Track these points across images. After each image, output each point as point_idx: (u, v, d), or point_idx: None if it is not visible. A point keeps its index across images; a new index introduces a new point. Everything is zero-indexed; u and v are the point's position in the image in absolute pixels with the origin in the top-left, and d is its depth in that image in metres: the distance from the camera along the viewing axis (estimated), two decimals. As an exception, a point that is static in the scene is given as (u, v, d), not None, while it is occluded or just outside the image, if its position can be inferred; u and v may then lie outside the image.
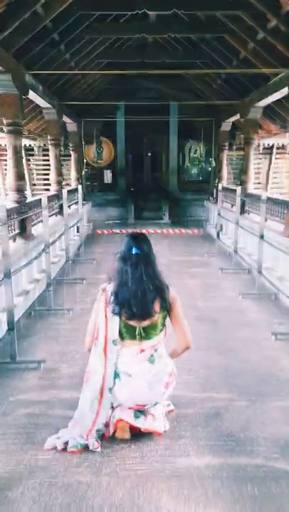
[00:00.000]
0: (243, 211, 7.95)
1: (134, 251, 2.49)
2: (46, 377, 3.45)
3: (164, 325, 2.59)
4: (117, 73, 8.88)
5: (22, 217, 5.21)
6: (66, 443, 2.53)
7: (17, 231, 5.31)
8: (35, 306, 5.16)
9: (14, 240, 5.22)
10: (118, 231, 10.99)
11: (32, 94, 6.43)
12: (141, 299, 2.43)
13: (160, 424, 2.66)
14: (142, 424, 2.59)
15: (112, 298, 2.50)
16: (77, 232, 9.39)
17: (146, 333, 2.51)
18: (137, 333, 2.50)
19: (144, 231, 10.54)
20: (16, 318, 4.39)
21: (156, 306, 2.49)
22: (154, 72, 8.85)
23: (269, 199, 6.07)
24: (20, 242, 5.25)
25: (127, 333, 2.51)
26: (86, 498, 2.16)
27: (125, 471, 2.35)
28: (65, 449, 2.50)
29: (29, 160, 13.63)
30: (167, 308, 2.56)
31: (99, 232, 11.22)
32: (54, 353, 3.92)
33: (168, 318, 2.63)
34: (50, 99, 7.67)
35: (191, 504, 2.11)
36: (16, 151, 5.48)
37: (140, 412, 2.60)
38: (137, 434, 2.63)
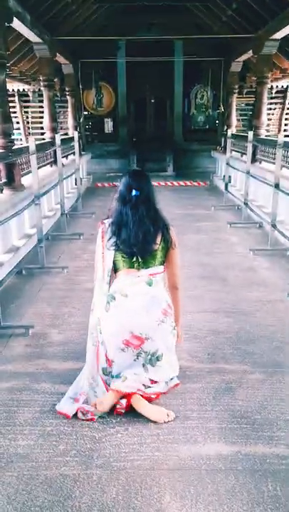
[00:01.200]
0: (254, 160, 7.30)
1: (133, 193, 2.32)
2: (34, 345, 3.05)
3: (163, 258, 2.41)
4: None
5: (5, 161, 4.63)
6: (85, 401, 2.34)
7: (3, 180, 4.76)
8: (26, 264, 4.72)
9: (1, 191, 4.69)
10: (120, 183, 10.37)
11: (18, 24, 5.65)
12: (142, 241, 2.30)
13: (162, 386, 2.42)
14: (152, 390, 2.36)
15: (110, 233, 2.36)
16: (76, 184, 8.80)
17: (145, 262, 2.35)
18: (134, 260, 2.34)
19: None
20: (2, 277, 3.97)
21: (158, 240, 2.36)
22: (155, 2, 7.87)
23: (286, 144, 5.42)
24: (7, 193, 4.72)
25: (124, 262, 2.36)
26: (72, 497, 1.79)
27: (120, 461, 1.97)
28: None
29: (24, 108, 12.77)
30: (168, 246, 2.41)
31: (99, 185, 10.62)
32: (44, 316, 3.51)
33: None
34: (40, 33, 6.83)
35: (199, 507, 1.73)
36: (0, 89, 4.81)
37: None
38: (136, 414, 2.25)
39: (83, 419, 2.25)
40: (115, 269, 2.39)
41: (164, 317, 2.31)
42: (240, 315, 3.50)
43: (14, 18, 5.27)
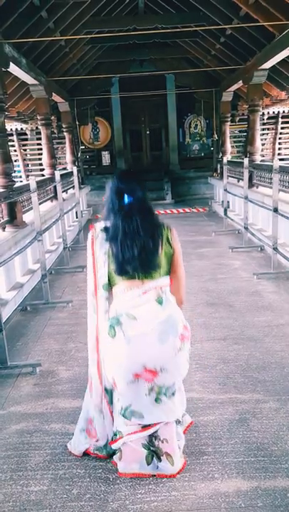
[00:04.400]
0: (251, 185, 7.39)
1: (126, 199, 1.96)
2: (42, 383, 3.01)
3: (168, 266, 2.05)
4: (105, 36, 8.14)
5: (7, 201, 4.70)
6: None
7: (6, 219, 4.82)
8: (30, 299, 4.71)
9: (3, 229, 4.74)
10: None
11: (15, 68, 5.85)
12: (139, 257, 1.92)
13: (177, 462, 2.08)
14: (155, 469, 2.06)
15: (101, 239, 2.01)
16: (76, 217, 8.89)
17: (148, 273, 1.97)
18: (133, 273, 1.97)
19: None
20: (8, 315, 3.96)
21: (159, 250, 2.00)
22: (146, 40, 8.18)
23: (282, 168, 5.50)
24: (10, 231, 4.77)
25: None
26: None
27: (137, 504, 1.91)
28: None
29: (23, 146, 13.05)
30: (170, 250, 2.04)
31: (99, 216, 10.69)
32: (52, 353, 3.48)
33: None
34: (36, 75, 7.07)
35: None
36: (0, 130, 4.94)
37: (152, 448, 2.05)
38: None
39: (96, 455, 2.18)
40: (110, 282, 2.03)
41: (181, 344, 1.95)
42: (249, 341, 3.46)
43: (10, 63, 5.47)
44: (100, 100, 11.75)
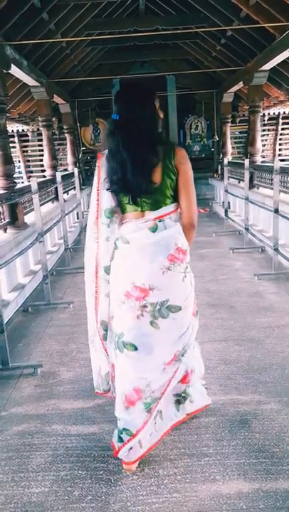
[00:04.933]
0: (252, 186, 7.39)
1: (113, 118, 1.91)
2: (43, 384, 3.01)
3: (173, 193, 2.00)
4: (106, 38, 8.15)
5: (8, 202, 4.71)
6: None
7: (7, 220, 4.82)
8: (31, 300, 4.72)
9: (5, 230, 4.75)
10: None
11: (16, 70, 5.87)
12: (123, 178, 1.89)
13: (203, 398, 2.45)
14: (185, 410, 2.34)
15: (105, 168, 1.99)
16: (77, 218, 8.90)
17: (151, 203, 1.96)
18: (137, 202, 1.96)
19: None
20: (9, 316, 3.97)
21: (157, 177, 1.92)
22: (147, 42, 8.20)
23: (283, 169, 5.51)
24: (11, 232, 4.78)
25: (128, 204, 1.98)
26: None
27: (138, 505, 1.90)
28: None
29: (24, 147, 13.08)
30: (173, 173, 1.96)
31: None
32: (53, 354, 3.48)
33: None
34: (37, 77, 7.09)
35: None
36: (1, 132, 4.95)
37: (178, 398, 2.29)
38: (151, 453, 2.19)
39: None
40: (123, 211, 2.03)
41: (170, 264, 1.93)
42: (250, 342, 3.46)
43: (12, 65, 5.48)
44: (100, 101, 11.78)
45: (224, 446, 2.26)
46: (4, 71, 5.14)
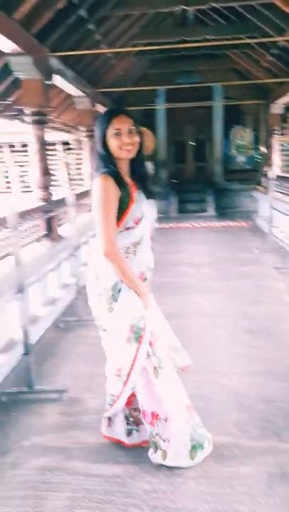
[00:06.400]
0: (299, 201, 7.01)
1: None
2: (68, 412, 2.85)
3: None
4: (152, 49, 8.02)
5: (46, 216, 4.64)
6: None
7: (43, 232, 4.77)
8: (63, 316, 4.61)
9: (40, 243, 4.69)
10: (159, 226, 10.33)
11: (60, 81, 5.86)
12: None
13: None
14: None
15: None
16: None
17: None
18: None
19: (187, 225, 9.81)
20: (41, 332, 3.87)
21: None
22: (194, 52, 8.01)
23: None
24: (46, 245, 4.71)
25: None
26: None
27: None
28: None
29: (66, 156, 13.21)
30: None
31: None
32: (80, 376, 3.33)
33: None
34: (81, 87, 7.08)
35: None
36: (41, 144, 4.92)
37: None
38: (178, 505, 1.97)
39: None
40: None
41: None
42: (294, 379, 3.16)
43: (56, 76, 5.47)
44: (144, 110, 11.72)
45: (261, 505, 2.00)
46: (48, 82, 5.12)
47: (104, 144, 2.07)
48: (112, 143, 2.05)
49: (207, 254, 7.38)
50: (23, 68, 4.55)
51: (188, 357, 2.42)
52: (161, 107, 12.01)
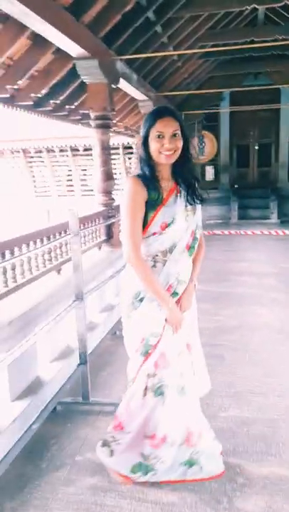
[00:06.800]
0: None
1: None
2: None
3: None
4: (220, 50, 7.77)
5: (107, 222, 4.59)
6: None
7: (103, 238, 4.73)
8: (120, 323, 4.51)
9: (100, 248, 4.65)
10: (220, 232, 10.04)
11: (125, 84, 5.82)
12: None
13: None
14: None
15: None
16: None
17: None
18: None
19: (249, 232, 9.43)
20: (98, 340, 3.81)
21: None
22: (263, 52, 7.67)
23: None
24: (106, 251, 4.66)
25: None
26: None
27: None
28: None
29: (129, 159, 13.30)
30: None
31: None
32: (136, 389, 3.19)
33: None
34: (146, 90, 7.02)
35: None
36: (104, 148, 4.89)
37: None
38: None
39: None
40: None
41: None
42: None
43: (121, 79, 5.43)
44: (208, 114, 11.49)
45: None
46: (114, 86, 5.09)
47: (146, 146, 1.92)
48: (153, 146, 1.90)
49: (270, 263, 7.00)
50: (90, 72, 4.54)
51: (208, 383, 2.36)
52: (226, 110, 11.71)
